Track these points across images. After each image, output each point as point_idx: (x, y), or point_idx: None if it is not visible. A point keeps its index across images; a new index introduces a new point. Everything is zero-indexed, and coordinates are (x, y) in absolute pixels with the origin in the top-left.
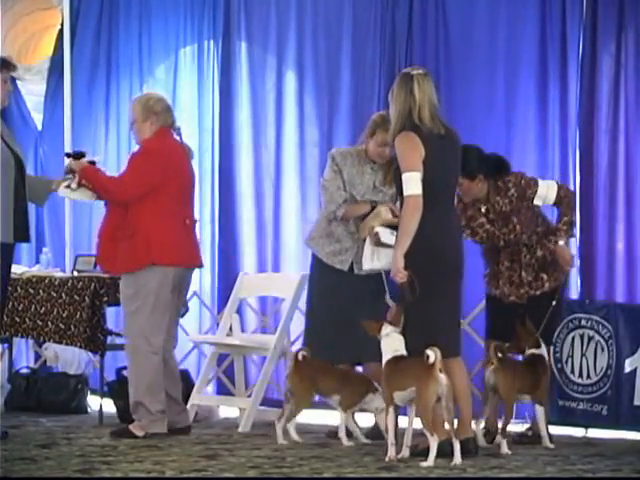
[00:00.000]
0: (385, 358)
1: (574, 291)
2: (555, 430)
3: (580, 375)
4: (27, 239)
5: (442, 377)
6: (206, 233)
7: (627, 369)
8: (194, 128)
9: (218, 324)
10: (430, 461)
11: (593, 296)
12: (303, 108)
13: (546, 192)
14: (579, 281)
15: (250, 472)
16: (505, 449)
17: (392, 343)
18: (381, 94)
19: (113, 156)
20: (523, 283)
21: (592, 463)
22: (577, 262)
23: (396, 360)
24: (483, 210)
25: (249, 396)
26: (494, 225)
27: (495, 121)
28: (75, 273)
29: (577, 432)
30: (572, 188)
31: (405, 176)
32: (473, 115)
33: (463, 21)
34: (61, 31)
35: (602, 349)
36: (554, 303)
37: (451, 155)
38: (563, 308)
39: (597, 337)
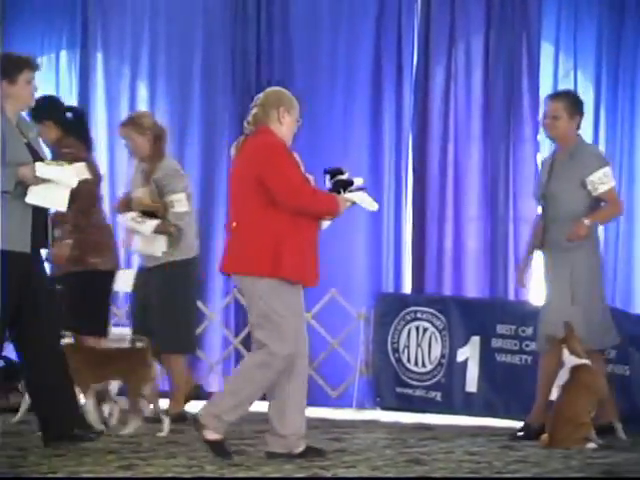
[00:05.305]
0: None
1: (407, 285)
2: (393, 415)
3: (416, 364)
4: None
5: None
6: None
7: (459, 359)
8: None
9: None
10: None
11: (423, 290)
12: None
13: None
14: (411, 276)
15: (109, 456)
16: None
17: None
18: (231, 103)
19: None
20: None
21: (427, 446)
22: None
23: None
24: None
25: None
26: None
27: (334, 126)
28: None
29: (414, 417)
30: (405, 190)
31: None
32: (315, 120)
33: (306, 37)
34: None
35: (436, 340)
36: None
37: None
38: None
39: (432, 328)
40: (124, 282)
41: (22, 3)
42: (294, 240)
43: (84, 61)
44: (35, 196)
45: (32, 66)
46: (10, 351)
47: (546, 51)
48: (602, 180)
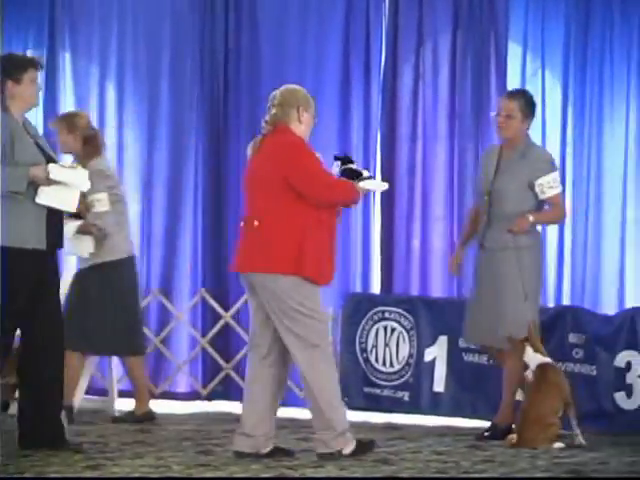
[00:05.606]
0: None
1: (376, 285)
2: (361, 415)
3: (384, 364)
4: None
5: None
6: None
7: (427, 358)
8: None
9: None
10: None
11: (392, 289)
12: (123, 116)
13: None
14: (380, 276)
15: (76, 457)
16: None
17: None
18: (199, 102)
19: None
20: None
21: (395, 446)
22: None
23: None
24: None
25: None
26: None
27: None
28: None
29: (381, 417)
30: None
31: None
32: None
33: (274, 36)
34: None
35: (404, 339)
36: None
37: None
38: None
39: (399, 328)
40: None
41: None
42: (316, 238)
43: (51, 61)
44: (46, 196)
45: (36, 65)
46: None
47: (514, 50)
48: (551, 184)
